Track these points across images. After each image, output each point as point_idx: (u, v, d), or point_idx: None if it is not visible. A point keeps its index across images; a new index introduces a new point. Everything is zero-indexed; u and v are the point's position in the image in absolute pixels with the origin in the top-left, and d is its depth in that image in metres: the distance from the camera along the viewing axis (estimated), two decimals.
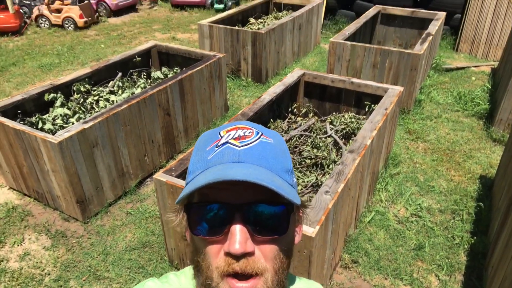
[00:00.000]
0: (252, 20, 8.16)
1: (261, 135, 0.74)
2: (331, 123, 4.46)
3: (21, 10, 10.19)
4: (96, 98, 4.69)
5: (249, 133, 0.74)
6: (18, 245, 3.63)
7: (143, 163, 4.44)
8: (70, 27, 10.03)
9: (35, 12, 10.17)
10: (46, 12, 10.03)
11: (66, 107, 4.43)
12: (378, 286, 3.26)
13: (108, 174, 3.99)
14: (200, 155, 0.73)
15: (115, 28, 10.28)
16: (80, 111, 4.42)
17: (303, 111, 4.78)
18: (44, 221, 3.89)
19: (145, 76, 5.49)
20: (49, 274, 3.35)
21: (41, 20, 10.19)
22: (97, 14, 10.75)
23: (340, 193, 2.82)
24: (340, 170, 3.01)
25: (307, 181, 3.66)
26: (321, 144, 4.00)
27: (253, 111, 3.84)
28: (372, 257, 3.49)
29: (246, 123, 0.78)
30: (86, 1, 10.21)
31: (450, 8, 8.58)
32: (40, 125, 4.05)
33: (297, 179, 3.71)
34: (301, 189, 3.59)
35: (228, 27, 6.59)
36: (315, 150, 3.96)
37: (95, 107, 4.59)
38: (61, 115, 4.26)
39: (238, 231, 0.66)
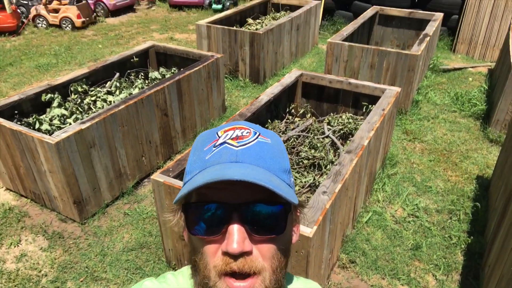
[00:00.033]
0: (250, 20, 8.16)
1: (259, 135, 0.75)
2: (328, 123, 4.47)
3: (18, 10, 10.16)
4: (93, 98, 4.68)
5: (246, 133, 0.74)
6: (14, 246, 3.62)
7: (141, 164, 4.43)
8: (67, 27, 10.01)
9: (33, 12, 10.14)
10: (43, 12, 10.01)
11: (63, 107, 4.42)
12: (376, 286, 3.27)
13: (106, 175, 3.99)
14: (197, 155, 0.73)
15: (113, 28, 10.27)
16: (78, 112, 4.42)
17: (301, 111, 4.79)
18: (41, 222, 3.88)
19: (142, 77, 5.48)
20: (46, 275, 3.34)
21: (39, 20, 10.17)
22: (95, 14, 10.73)
23: (338, 193, 2.83)
24: (338, 171, 3.02)
25: (305, 182, 3.66)
26: (318, 145, 4.00)
27: (251, 111, 3.84)
28: (370, 257, 3.49)
29: (244, 123, 0.78)
30: (83, 1, 10.19)
31: (447, 9, 8.61)
32: (37, 125, 4.04)
33: (295, 180, 3.71)
34: (299, 189, 3.59)
35: (226, 27, 6.59)
36: (312, 151, 3.96)
37: (93, 108, 4.58)
38: (58, 115, 4.25)
39: (236, 230, 0.66)
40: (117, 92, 4.89)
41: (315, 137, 4.15)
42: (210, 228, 0.68)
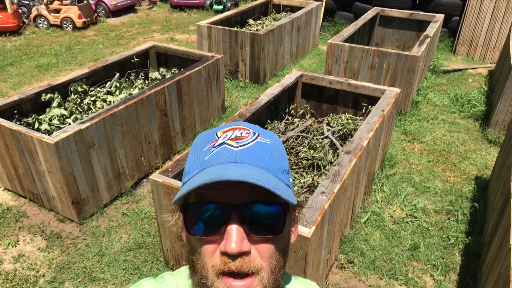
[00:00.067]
0: (250, 21, 8.17)
1: (258, 135, 0.75)
2: (328, 124, 4.47)
3: (19, 10, 10.19)
4: (93, 98, 4.69)
5: (246, 133, 0.74)
6: (12, 247, 3.63)
7: (140, 164, 4.44)
8: (68, 27, 10.03)
9: (34, 12, 10.17)
10: (44, 12, 10.04)
11: (63, 107, 4.43)
12: (374, 286, 3.27)
13: (104, 175, 3.99)
14: (196, 155, 0.74)
15: (114, 29, 10.28)
16: (77, 112, 4.42)
17: (301, 112, 4.79)
18: (39, 222, 3.89)
19: (143, 77, 5.49)
20: (43, 276, 3.34)
21: (40, 20, 10.20)
22: (95, 14, 10.75)
23: (336, 193, 2.83)
24: (337, 171, 3.02)
25: (304, 182, 3.66)
26: (317, 145, 4.01)
27: (251, 112, 3.84)
28: (368, 257, 3.49)
29: (243, 124, 0.78)
30: (85, 2, 10.21)
31: (448, 10, 8.60)
32: (36, 125, 4.05)
33: (294, 180, 3.72)
34: (298, 189, 3.60)
35: (226, 28, 6.60)
36: (311, 151, 3.97)
37: (92, 108, 4.59)
38: (57, 115, 4.26)
39: (234, 231, 0.66)
40: (117, 92, 4.90)
41: (315, 137, 4.15)
42: (208, 228, 0.69)
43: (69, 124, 4.19)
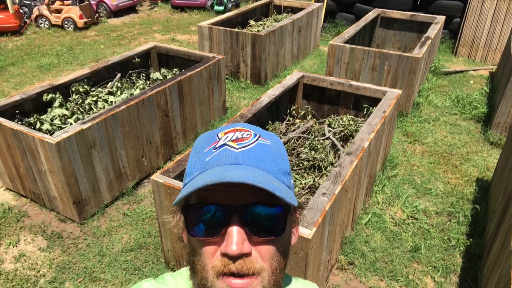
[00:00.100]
0: (252, 22, 8.17)
1: (259, 137, 0.75)
2: (329, 125, 4.47)
3: (21, 10, 10.20)
4: (94, 98, 4.70)
5: (247, 135, 0.74)
6: (13, 246, 3.63)
7: (141, 164, 4.44)
8: (70, 28, 10.04)
9: (35, 12, 10.18)
10: (46, 12, 10.05)
11: (64, 107, 4.43)
12: None
13: (106, 175, 3.99)
14: (197, 157, 0.74)
15: (115, 29, 10.30)
16: (79, 112, 4.43)
17: (302, 113, 4.79)
18: (40, 222, 3.89)
19: (144, 77, 5.50)
20: (44, 276, 3.34)
21: (41, 20, 10.21)
22: (97, 14, 10.76)
23: (337, 195, 2.83)
24: (338, 172, 3.02)
25: (305, 183, 3.66)
26: (319, 146, 4.01)
27: (252, 113, 3.84)
28: (368, 259, 3.49)
29: (244, 125, 0.78)
30: (86, 2, 10.23)
31: (449, 12, 8.60)
32: (38, 125, 4.05)
33: (295, 181, 3.72)
34: (299, 190, 3.59)
35: (227, 29, 6.60)
36: (313, 152, 3.96)
37: (94, 108, 4.59)
38: (59, 115, 4.26)
39: (235, 232, 0.66)
40: (118, 93, 4.90)
41: (316, 138, 4.15)
42: (209, 229, 0.69)
43: (71, 124, 4.19)
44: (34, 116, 4.10)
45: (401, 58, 5.48)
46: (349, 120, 4.38)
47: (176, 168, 3.05)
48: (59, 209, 3.92)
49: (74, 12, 9.88)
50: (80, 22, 9.94)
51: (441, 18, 7.35)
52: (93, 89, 4.91)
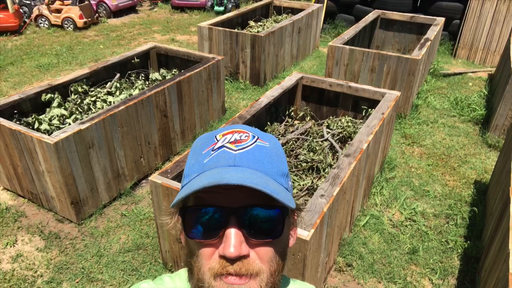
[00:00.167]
0: (251, 23, 8.18)
1: (257, 139, 0.75)
2: (328, 127, 4.47)
3: (21, 10, 10.19)
4: (93, 99, 4.69)
5: (245, 137, 0.74)
6: (10, 246, 3.62)
7: (139, 165, 4.44)
8: (69, 28, 10.04)
9: (35, 12, 10.18)
10: (46, 12, 10.05)
11: (63, 107, 4.43)
12: None
13: (104, 176, 3.99)
14: (196, 158, 0.74)
15: (115, 29, 10.29)
16: (77, 112, 4.42)
17: (301, 114, 4.79)
18: (37, 222, 3.88)
19: (143, 78, 5.50)
20: (41, 276, 3.34)
21: (41, 20, 10.20)
22: (97, 14, 10.76)
23: (336, 196, 2.82)
24: (336, 174, 3.02)
25: (303, 185, 3.66)
26: (317, 148, 4.01)
27: (251, 113, 3.84)
28: (366, 261, 3.49)
29: (243, 127, 0.78)
30: (86, 2, 10.23)
31: (449, 13, 8.61)
32: (36, 125, 4.05)
33: (293, 183, 3.72)
34: (297, 192, 3.59)
35: (227, 29, 6.60)
36: (311, 154, 3.97)
37: (92, 108, 4.59)
38: (57, 115, 4.26)
39: (233, 234, 0.66)
40: (117, 93, 4.90)
41: (314, 140, 4.15)
42: (207, 231, 0.69)
43: (69, 124, 4.19)
44: (33, 116, 4.10)
45: (400, 59, 5.49)
46: (347, 122, 4.38)
47: (175, 169, 3.05)
48: (57, 209, 3.91)
49: (74, 12, 9.88)
50: (79, 22, 9.94)
51: (441, 20, 7.36)
52: (92, 89, 4.91)
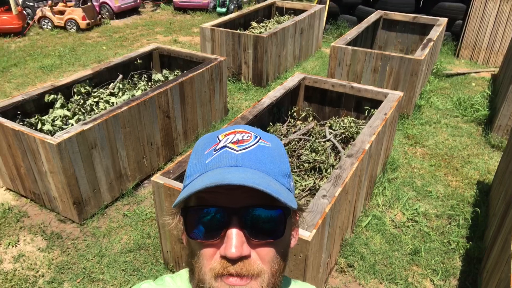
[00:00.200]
0: (254, 24, 8.18)
1: (259, 139, 0.75)
2: (330, 127, 4.46)
3: (24, 12, 10.24)
4: (96, 99, 4.71)
5: (247, 137, 0.74)
6: (13, 246, 3.64)
7: (141, 165, 4.45)
8: (72, 29, 10.07)
9: (38, 13, 10.22)
10: (49, 13, 10.09)
11: (66, 108, 4.44)
12: None
13: (106, 176, 4.00)
14: (198, 158, 0.74)
15: (117, 30, 10.32)
16: (80, 113, 4.44)
17: (303, 115, 4.79)
18: (40, 222, 3.90)
19: (146, 79, 5.51)
20: (43, 276, 3.35)
21: (44, 21, 10.25)
22: (99, 16, 10.80)
23: (338, 197, 2.82)
24: (338, 174, 3.01)
25: (305, 185, 3.66)
26: (319, 148, 4.00)
27: (253, 114, 3.84)
28: (368, 262, 3.48)
29: (245, 127, 0.78)
30: (89, 3, 10.27)
31: (451, 14, 8.59)
32: (39, 126, 4.06)
33: (295, 183, 3.71)
34: (299, 192, 3.59)
35: (230, 30, 6.61)
36: (313, 154, 3.96)
37: (95, 109, 4.60)
38: (60, 116, 4.28)
39: (234, 235, 0.66)
40: (120, 94, 4.91)
41: (316, 140, 4.15)
42: (209, 232, 0.69)
43: (72, 125, 4.20)
44: (36, 117, 4.12)
45: (403, 60, 5.47)
46: (350, 122, 4.38)
47: (177, 170, 3.05)
48: (59, 210, 3.92)
49: (76, 13, 9.92)
50: (82, 24, 9.97)
51: (443, 20, 7.34)
52: (95, 90, 4.93)
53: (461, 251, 3.62)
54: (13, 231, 3.81)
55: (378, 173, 4.32)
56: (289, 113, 4.76)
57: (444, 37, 8.70)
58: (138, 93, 4.94)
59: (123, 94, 4.89)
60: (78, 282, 3.28)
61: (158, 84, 5.24)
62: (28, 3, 10.76)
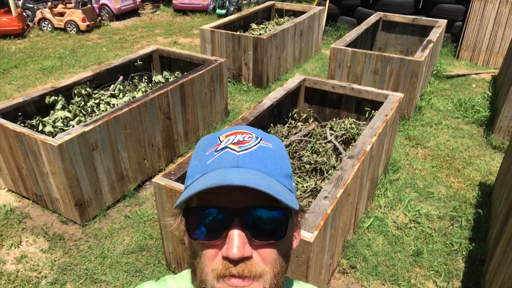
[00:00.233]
0: (253, 25, 8.19)
1: (261, 140, 0.75)
2: (331, 128, 4.47)
3: (24, 13, 10.24)
4: (97, 101, 4.71)
5: (248, 138, 0.74)
6: (15, 248, 3.63)
7: (143, 167, 4.44)
8: (72, 31, 10.08)
9: (38, 15, 10.23)
10: (49, 15, 10.09)
11: (67, 110, 4.44)
12: None
13: (107, 177, 4.00)
14: (199, 159, 0.74)
15: (117, 32, 10.33)
16: (81, 114, 4.44)
17: (304, 116, 4.79)
18: (42, 224, 3.89)
19: (146, 80, 5.51)
20: (45, 277, 3.34)
21: (44, 23, 10.25)
22: (99, 18, 10.80)
23: (339, 198, 2.82)
24: (339, 176, 3.01)
25: (306, 186, 3.66)
26: (320, 150, 4.00)
27: (254, 115, 3.85)
28: (370, 263, 3.48)
29: (246, 128, 0.78)
30: (88, 5, 10.27)
31: (451, 15, 8.61)
32: (40, 127, 4.06)
33: (296, 184, 3.71)
34: (300, 194, 3.59)
35: (229, 32, 6.62)
36: (314, 156, 3.96)
37: (96, 110, 4.60)
38: (61, 117, 4.27)
39: (236, 235, 0.66)
40: (121, 95, 4.91)
41: (317, 142, 4.15)
42: (210, 232, 0.69)
43: (73, 126, 4.20)
44: (37, 118, 4.11)
45: (403, 61, 5.48)
46: (351, 124, 4.38)
47: (178, 171, 3.05)
48: (61, 211, 3.92)
49: (76, 15, 9.92)
50: (82, 25, 9.97)
51: (443, 22, 7.35)
52: (96, 91, 4.93)
53: (464, 253, 3.61)
54: (16, 232, 3.81)
55: (379, 174, 4.32)
56: (290, 114, 4.77)
57: (444, 38, 8.72)
58: (138, 94, 4.94)
59: (123, 96, 4.89)
60: (81, 283, 3.28)
61: (159, 85, 5.24)
62: (28, 5, 10.76)
